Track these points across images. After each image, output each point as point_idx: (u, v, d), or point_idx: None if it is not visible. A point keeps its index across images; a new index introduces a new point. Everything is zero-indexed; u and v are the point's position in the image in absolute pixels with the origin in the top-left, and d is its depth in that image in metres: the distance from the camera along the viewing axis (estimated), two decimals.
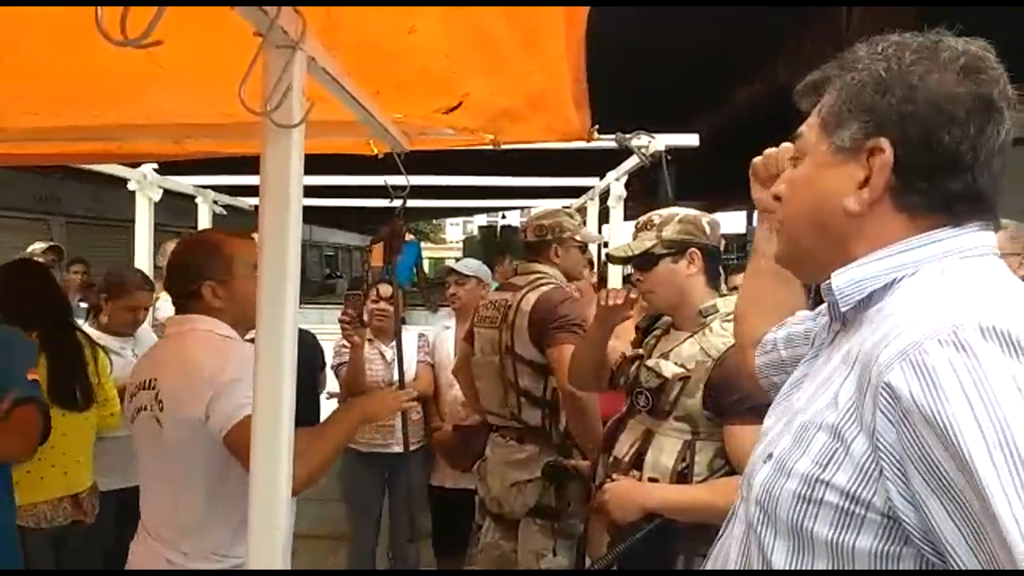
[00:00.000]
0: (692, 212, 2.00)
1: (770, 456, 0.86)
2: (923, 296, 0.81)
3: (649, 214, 2.02)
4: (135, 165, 3.62)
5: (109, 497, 2.91)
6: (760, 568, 0.86)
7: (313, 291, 14.39)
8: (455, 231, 37.99)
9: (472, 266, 3.61)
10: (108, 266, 4.83)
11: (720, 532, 1.02)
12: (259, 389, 1.25)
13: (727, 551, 0.96)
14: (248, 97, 1.20)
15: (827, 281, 0.89)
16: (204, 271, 1.84)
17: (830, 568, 0.78)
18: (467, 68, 1.61)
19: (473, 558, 3.13)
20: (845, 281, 0.87)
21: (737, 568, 0.92)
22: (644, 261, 1.96)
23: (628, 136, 2.71)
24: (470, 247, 17.24)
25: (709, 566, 1.02)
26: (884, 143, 0.84)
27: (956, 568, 0.70)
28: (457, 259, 4.06)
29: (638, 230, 2.01)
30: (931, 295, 0.80)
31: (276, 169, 1.25)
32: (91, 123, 1.99)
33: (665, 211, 2.01)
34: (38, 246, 4.45)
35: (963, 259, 0.84)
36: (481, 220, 26.39)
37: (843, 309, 0.88)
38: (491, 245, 15.10)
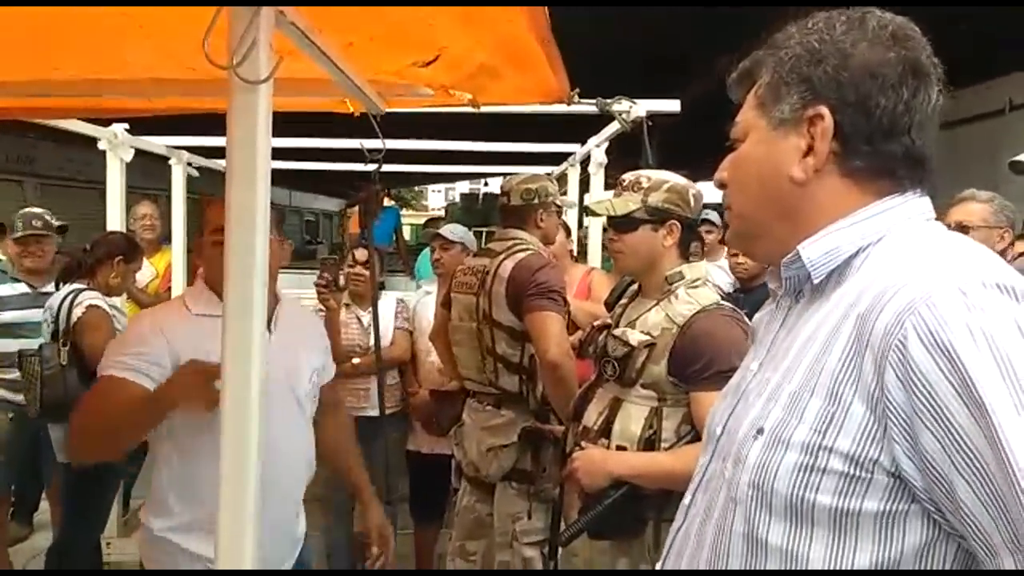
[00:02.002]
0: (680, 181, 1.97)
1: (760, 431, 0.85)
2: (908, 258, 0.82)
3: (637, 173, 1.99)
4: (106, 124, 3.54)
5: None
6: (743, 548, 0.85)
7: (293, 256, 14.30)
8: (437, 198, 37.77)
9: (458, 232, 3.58)
10: (83, 229, 4.76)
11: (684, 505, 1.01)
12: (227, 354, 1.22)
13: (700, 534, 0.94)
14: (215, 52, 1.16)
15: (790, 255, 0.89)
16: (199, 230, 1.95)
17: (832, 541, 0.78)
18: (442, 20, 1.57)
19: (450, 521, 3.15)
20: (818, 251, 0.88)
21: (713, 551, 0.90)
22: (624, 223, 1.94)
23: (609, 101, 2.68)
24: (452, 214, 17.16)
25: (676, 544, 1.00)
26: (823, 110, 0.87)
27: (966, 527, 0.71)
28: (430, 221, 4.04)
29: (623, 188, 1.98)
30: (915, 257, 0.81)
31: (243, 126, 1.21)
32: (54, 77, 1.93)
33: (654, 175, 1.98)
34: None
35: (919, 224, 0.87)
36: (464, 187, 26.26)
37: (816, 280, 0.88)
38: (473, 213, 15.04)
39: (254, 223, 1.22)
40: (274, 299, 1.93)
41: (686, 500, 1.01)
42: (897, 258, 0.83)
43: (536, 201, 2.70)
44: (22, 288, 3.68)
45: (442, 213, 20.32)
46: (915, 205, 0.88)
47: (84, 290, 3.11)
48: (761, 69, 0.94)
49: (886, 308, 0.76)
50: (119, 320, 3.18)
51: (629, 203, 1.93)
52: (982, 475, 0.69)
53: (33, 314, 3.49)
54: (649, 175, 1.97)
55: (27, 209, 3.79)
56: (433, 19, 1.57)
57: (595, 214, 2.08)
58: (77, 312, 3.04)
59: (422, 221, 17.47)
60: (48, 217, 3.69)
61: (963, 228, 2.58)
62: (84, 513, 3.17)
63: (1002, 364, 0.69)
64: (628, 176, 1.99)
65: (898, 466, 0.74)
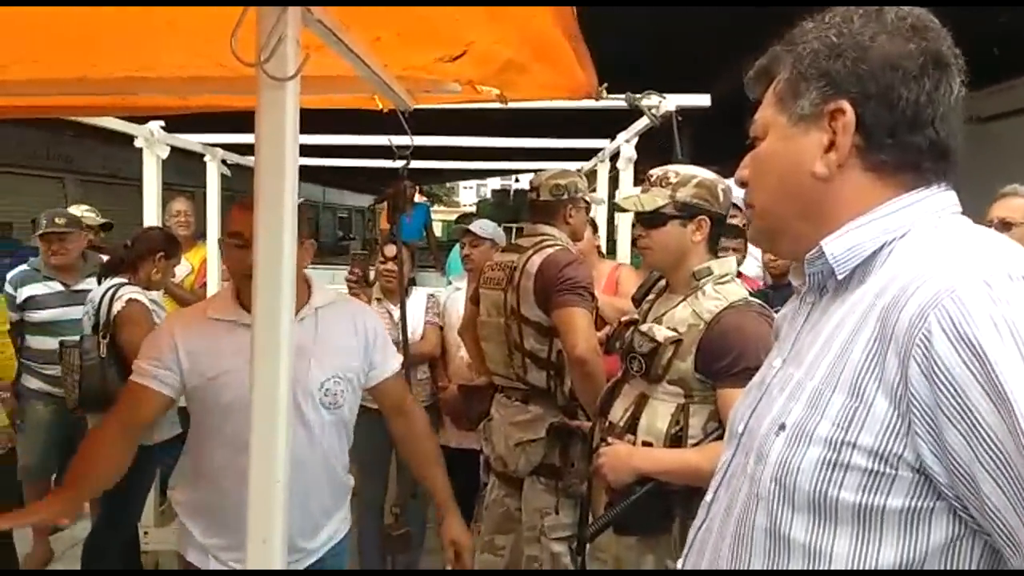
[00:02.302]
0: (709, 176, 1.95)
1: (783, 427, 0.84)
2: (930, 252, 0.80)
3: (666, 168, 1.98)
4: (142, 121, 3.60)
5: None
6: (765, 544, 0.84)
7: (326, 252, 14.47)
8: (468, 194, 37.85)
9: (488, 228, 3.59)
10: (123, 226, 4.85)
11: (706, 502, 1.00)
12: (256, 351, 1.24)
13: (722, 529, 0.93)
14: (243, 49, 1.18)
15: (813, 251, 0.88)
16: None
17: (855, 537, 0.77)
18: (469, 15, 1.58)
19: (479, 515, 3.16)
20: (841, 247, 0.86)
21: (735, 546, 0.90)
22: (653, 219, 1.92)
23: (638, 96, 2.66)
24: (483, 210, 17.21)
25: (697, 541, 0.99)
26: (844, 104, 0.86)
27: (992, 525, 0.70)
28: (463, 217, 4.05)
29: (651, 184, 1.96)
30: (939, 251, 0.80)
31: (271, 123, 1.23)
32: (91, 74, 1.97)
33: (683, 169, 1.96)
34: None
35: (945, 218, 0.85)
36: (495, 184, 26.26)
37: (840, 276, 0.87)
38: (504, 208, 15.05)
39: (282, 219, 1.23)
40: (301, 299, 1.93)
41: (708, 497, 1.00)
42: (921, 252, 0.81)
43: (565, 197, 2.70)
44: (56, 286, 3.76)
45: (473, 209, 20.37)
46: (941, 199, 0.86)
47: (125, 284, 3.16)
48: (779, 66, 0.93)
49: (910, 302, 0.74)
50: (159, 315, 3.23)
51: (657, 199, 1.91)
52: (1006, 470, 0.68)
53: (69, 312, 3.57)
54: (677, 170, 1.96)
55: (46, 212, 3.86)
56: (459, 14, 1.57)
57: (623, 210, 2.07)
58: (117, 306, 3.09)
59: (453, 217, 17.53)
60: (84, 212, 3.76)
61: (1006, 224, 2.54)
62: (120, 503, 3.23)
63: None
64: (656, 171, 1.98)
65: (922, 462, 0.73)
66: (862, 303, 0.82)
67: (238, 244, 1.86)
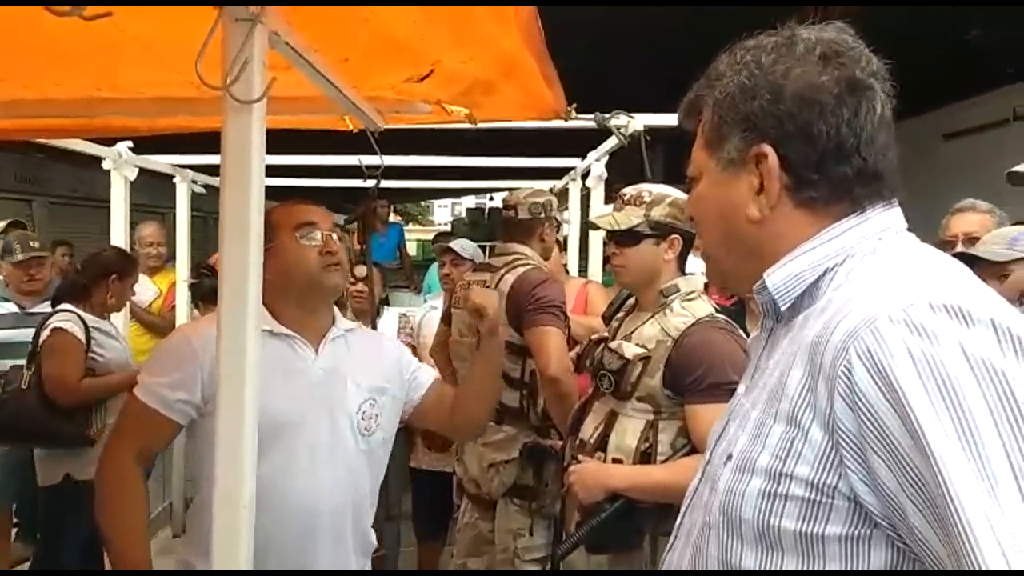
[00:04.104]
0: (682, 196, 1.96)
1: (730, 457, 0.85)
2: (862, 279, 0.81)
3: (639, 187, 2.00)
4: (110, 143, 3.57)
5: None
6: (719, 570, 0.85)
7: None
8: (443, 213, 37.87)
9: (469, 249, 3.58)
10: (89, 247, 4.79)
11: (676, 524, 1.00)
12: (223, 372, 1.23)
13: (681, 556, 0.94)
14: (210, 71, 1.18)
15: (758, 283, 0.88)
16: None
17: (801, 565, 0.77)
18: (435, 35, 1.59)
19: (454, 538, 3.14)
20: (781, 278, 0.87)
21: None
22: (627, 237, 1.94)
23: (607, 116, 2.69)
24: (458, 229, 17.20)
25: (668, 563, 1.00)
26: (766, 147, 0.86)
27: (923, 552, 0.69)
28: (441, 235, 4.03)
29: (624, 203, 1.98)
30: (870, 278, 0.80)
31: (236, 145, 1.23)
32: (58, 96, 1.95)
33: (656, 189, 1.99)
34: None
35: (886, 240, 0.85)
36: (470, 202, 26.31)
37: (783, 307, 0.88)
38: (479, 227, 15.05)
39: (248, 241, 1.23)
40: (326, 324, 1.80)
41: (677, 520, 1.01)
42: (856, 279, 0.82)
43: (543, 215, 2.72)
44: (10, 308, 3.64)
45: (448, 228, 20.37)
46: (879, 221, 0.86)
47: (62, 311, 3.02)
48: (701, 104, 0.94)
49: (834, 333, 0.75)
50: (104, 343, 3.09)
51: (632, 217, 1.93)
52: (928, 501, 0.67)
53: (21, 334, 3.41)
54: (650, 189, 1.98)
55: (16, 233, 3.75)
56: (425, 32, 1.59)
57: (598, 228, 2.08)
58: (44, 335, 2.97)
59: (428, 236, 17.50)
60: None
61: (972, 239, 2.57)
62: (54, 549, 3.08)
63: (943, 390, 0.67)
64: (629, 190, 2.00)
65: (855, 492, 0.73)
66: (801, 332, 0.82)
67: (307, 235, 1.71)
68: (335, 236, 1.77)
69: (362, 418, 1.77)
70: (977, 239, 2.55)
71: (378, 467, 1.86)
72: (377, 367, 1.85)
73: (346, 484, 1.74)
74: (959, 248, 2.47)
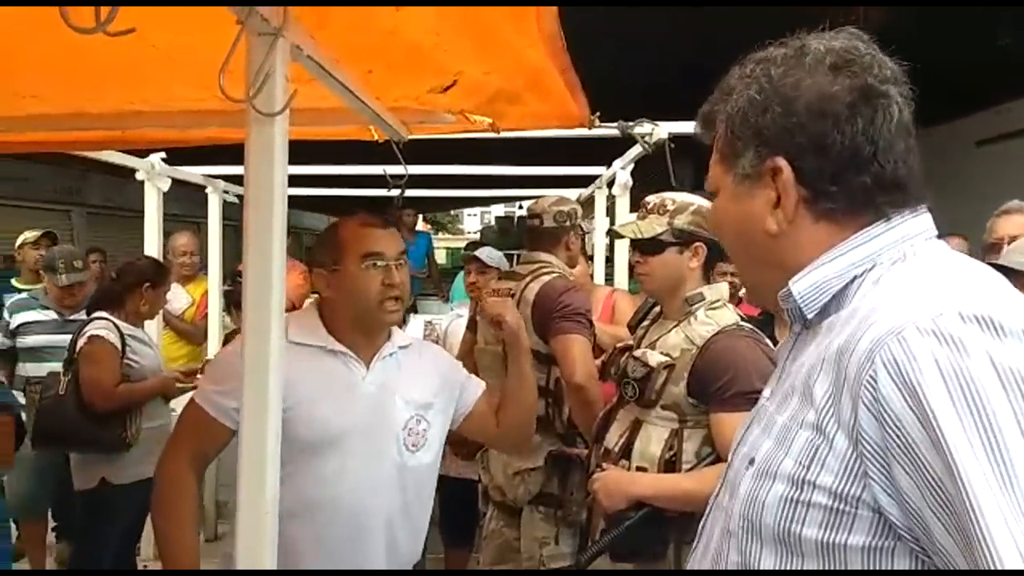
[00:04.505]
0: (706, 204, 1.96)
1: (752, 461, 0.84)
2: (890, 287, 0.79)
3: (662, 196, 2.00)
4: (144, 155, 3.65)
5: None
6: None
7: None
8: (473, 222, 38.01)
9: (495, 257, 3.59)
10: (126, 257, 4.88)
11: (700, 527, 1.00)
12: (247, 386, 1.25)
13: (702, 561, 0.94)
14: (233, 84, 1.20)
15: (783, 290, 0.87)
16: (316, 256, 1.84)
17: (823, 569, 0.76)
18: (458, 46, 1.60)
19: (479, 546, 3.14)
20: (807, 286, 0.86)
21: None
22: (651, 246, 1.93)
23: (630, 124, 2.68)
24: (487, 237, 17.25)
25: (693, 565, 1.00)
26: (780, 161, 0.85)
27: (946, 566, 0.68)
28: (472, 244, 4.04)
29: (648, 211, 1.98)
30: (899, 285, 0.79)
31: (259, 157, 1.25)
32: (89, 109, 2.00)
33: (679, 197, 1.98)
34: (29, 235, 4.50)
35: (915, 247, 0.83)
36: (499, 211, 26.36)
37: (809, 315, 0.86)
38: (508, 235, 15.08)
39: (271, 252, 1.25)
40: (381, 342, 1.81)
41: (701, 523, 1.01)
42: (884, 287, 0.80)
43: (568, 224, 2.72)
44: (50, 315, 3.76)
45: (477, 236, 20.42)
46: (905, 228, 0.84)
47: (100, 319, 3.10)
48: (716, 117, 0.93)
49: (860, 342, 0.74)
50: (138, 350, 3.16)
51: (655, 226, 1.93)
52: (952, 516, 0.66)
53: (60, 339, 3.50)
54: (674, 197, 1.97)
55: (61, 248, 3.84)
56: (448, 45, 1.60)
57: (620, 237, 2.08)
58: (81, 342, 3.04)
59: (459, 245, 17.56)
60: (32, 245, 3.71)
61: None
62: (85, 555, 3.14)
63: (970, 402, 0.66)
64: (652, 199, 2.00)
65: (878, 503, 0.72)
66: (827, 339, 0.81)
67: (374, 265, 1.73)
68: (401, 267, 1.78)
69: (408, 434, 1.79)
70: None
71: (427, 480, 1.88)
72: (426, 384, 1.87)
73: (391, 499, 1.76)
74: (1006, 249, 2.43)
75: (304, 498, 1.66)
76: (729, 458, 0.97)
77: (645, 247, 1.95)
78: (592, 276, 3.98)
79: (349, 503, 1.70)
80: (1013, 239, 2.52)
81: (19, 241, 4.46)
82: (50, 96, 1.91)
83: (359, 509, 1.71)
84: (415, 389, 1.83)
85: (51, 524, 4.16)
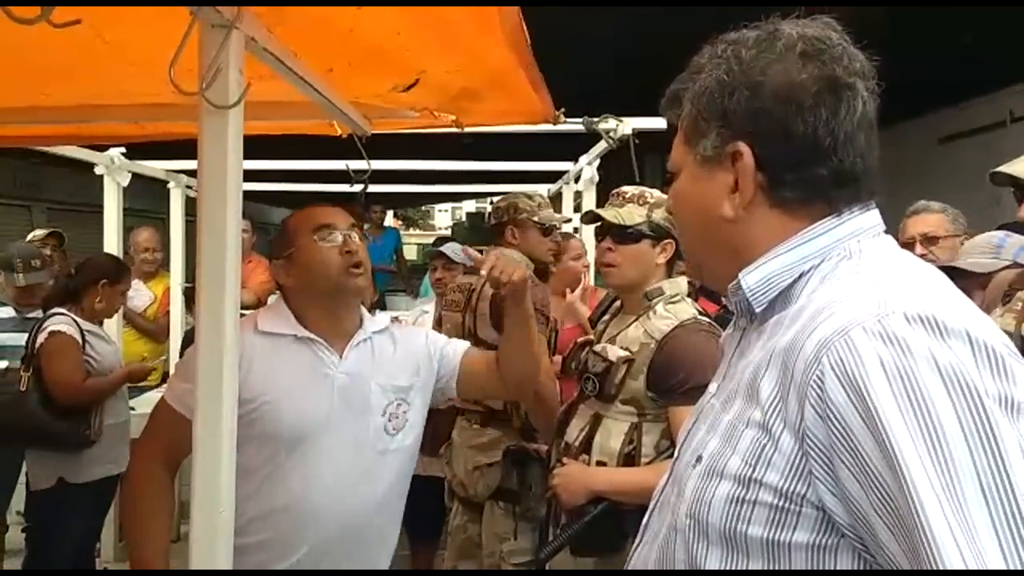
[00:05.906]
0: None
1: (699, 459, 0.84)
2: (837, 285, 0.80)
3: (640, 188, 1.99)
4: (103, 149, 3.59)
5: None
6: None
7: None
8: (444, 217, 37.92)
9: (460, 253, 3.58)
10: (90, 254, 4.79)
11: (644, 523, 1.00)
12: (201, 378, 1.24)
13: (647, 558, 0.94)
14: (186, 77, 1.18)
15: (733, 283, 0.87)
16: (273, 250, 1.82)
17: (766, 568, 0.77)
18: (420, 45, 1.60)
19: (446, 541, 3.14)
20: (756, 280, 0.85)
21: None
22: (628, 234, 1.92)
23: (595, 120, 2.70)
24: (458, 233, 17.20)
25: (634, 563, 0.99)
26: (741, 146, 0.85)
27: (888, 565, 0.69)
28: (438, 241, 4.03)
29: (625, 200, 1.97)
30: (845, 284, 0.79)
31: (213, 151, 1.24)
32: (43, 103, 1.96)
33: (657, 192, 1.98)
34: (38, 233, 4.41)
35: (862, 243, 0.83)
36: (470, 207, 26.32)
37: (757, 310, 0.86)
38: (480, 231, 15.05)
39: (224, 245, 1.24)
40: (352, 327, 1.78)
41: (644, 519, 1.00)
42: (827, 285, 0.81)
43: (505, 219, 2.73)
44: (9, 312, 3.66)
45: (448, 232, 20.37)
46: (854, 223, 0.84)
47: (57, 315, 3.05)
48: (683, 97, 0.92)
49: (807, 342, 0.74)
50: (97, 346, 3.11)
51: (635, 216, 1.92)
52: (897, 520, 0.67)
53: (16, 337, 3.41)
54: (653, 192, 1.98)
55: (20, 246, 3.74)
56: (410, 45, 1.59)
57: (601, 219, 2.00)
58: (41, 338, 2.99)
59: (430, 240, 17.51)
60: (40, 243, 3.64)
61: (931, 239, 2.59)
62: (42, 553, 3.08)
63: (915, 403, 0.66)
64: (630, 189, 1.99)
65: (822, 501, 0.72)
66: (774, 337, 0.81)
67: (327, 237, 1.70)
68: (355, 236, 1.75)
69: (389, 419, 1.77)
70: (935, 239, 2.57)
71: (409, 462, 1.86)
72: (402, 366, 1.83)
73: (373, 486, 1.74)
74: (919, 250, 2.51)
75: (285, 495, 1.64)
76: (675, 455, 0.97)
77: (621, 236, 1.93)
78: (588, 275, 3.89)
79: (332, 493, 1.67)
80: (924, 237, 2.59)
81: (27, 239, 4.35)
82: (2, 90, 1.87)
83: (343, 498, 1.68)
84: (392, 374, 1.79)
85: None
